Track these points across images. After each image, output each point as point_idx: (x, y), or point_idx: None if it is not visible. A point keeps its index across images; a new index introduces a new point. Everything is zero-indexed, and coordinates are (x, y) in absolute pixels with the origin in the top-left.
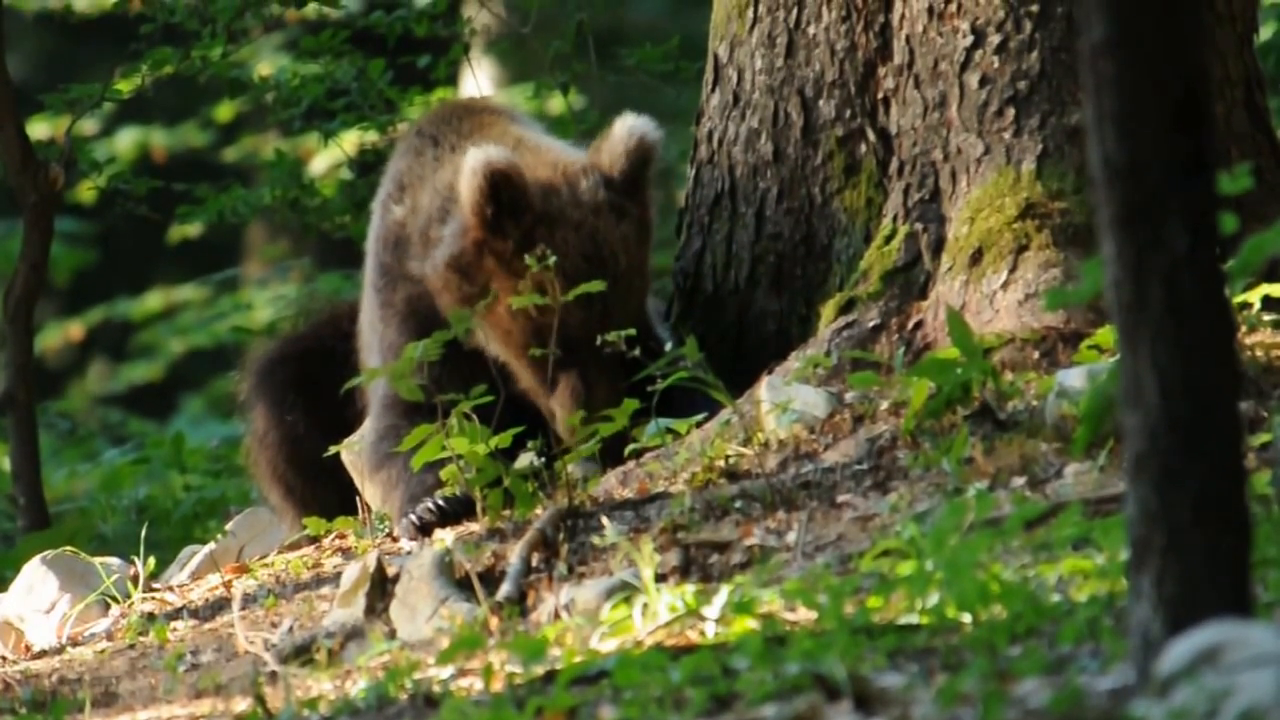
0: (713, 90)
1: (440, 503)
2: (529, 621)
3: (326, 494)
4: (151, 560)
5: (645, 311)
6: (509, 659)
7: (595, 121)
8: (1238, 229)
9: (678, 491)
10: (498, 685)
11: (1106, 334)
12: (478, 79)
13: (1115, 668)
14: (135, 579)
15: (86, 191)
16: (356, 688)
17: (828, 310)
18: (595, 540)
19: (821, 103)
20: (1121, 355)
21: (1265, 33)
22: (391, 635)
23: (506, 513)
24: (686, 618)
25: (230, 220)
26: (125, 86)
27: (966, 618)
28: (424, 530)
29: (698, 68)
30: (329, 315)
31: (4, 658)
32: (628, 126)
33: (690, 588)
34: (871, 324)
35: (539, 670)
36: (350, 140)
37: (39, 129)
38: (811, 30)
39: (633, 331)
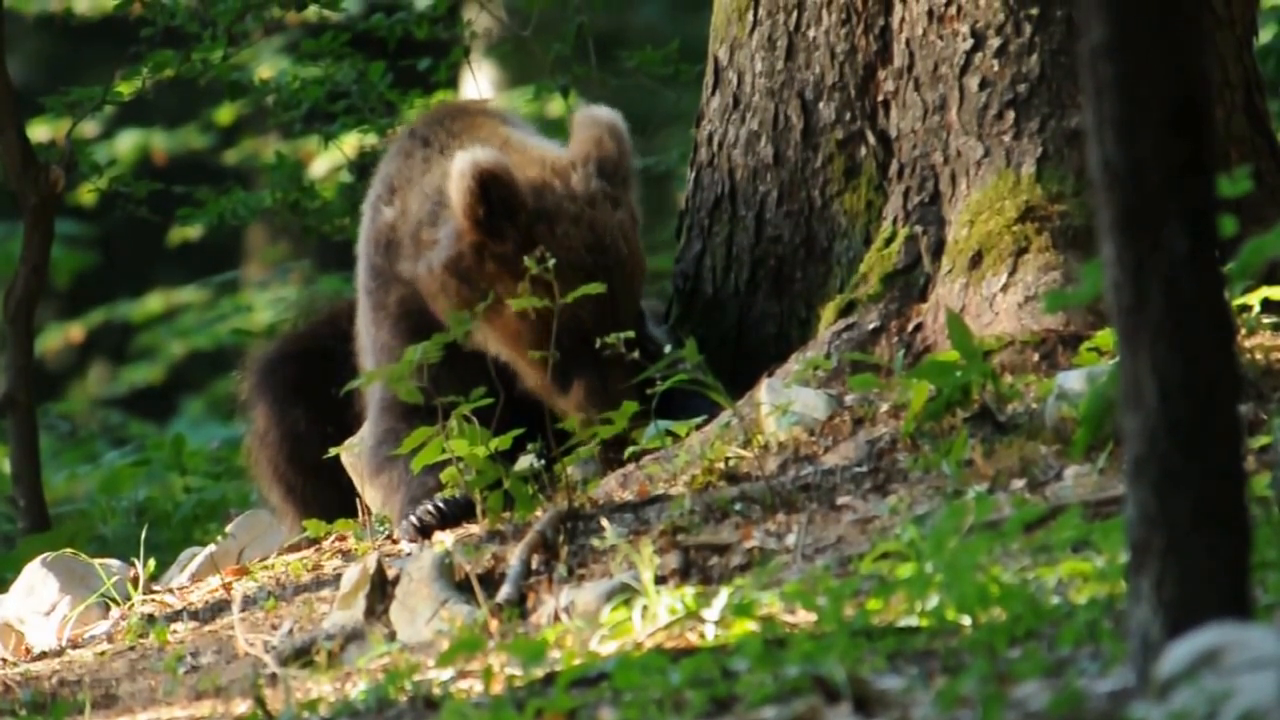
0: (713, 93)
1: (440, 505)
2: (529, 624)
3: (327, 493)
4: (151, 562)
5: (640, 307)
6: (509, 661)
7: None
8: (1237, 232)
9: (677, 494)
10: (497, 687)
11: (1106, 336)
12: (478, 82)
13: (1115, 670)
14: (135, 581)
15: (87, 194)
16: (356, 690)
17: (827, 313)
18: (595, 542)
19: (821, 106)
20: (1121, 358)
21: (1265, 36)
22: (391, 637)
23: (506, 515)
24: (686, 620)
25: (230, 223)
26: (126, 89)
27: (966, 620)
28: (424, 532)
29: (698, 70)
30: (330, 314)
31: (4, 659)
32: (594, 117)
33: (690, 590)
34: (871, 326)
35: (539, 672)
36: (350, 143)
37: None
38: (811, 33)
39: (632, 333)
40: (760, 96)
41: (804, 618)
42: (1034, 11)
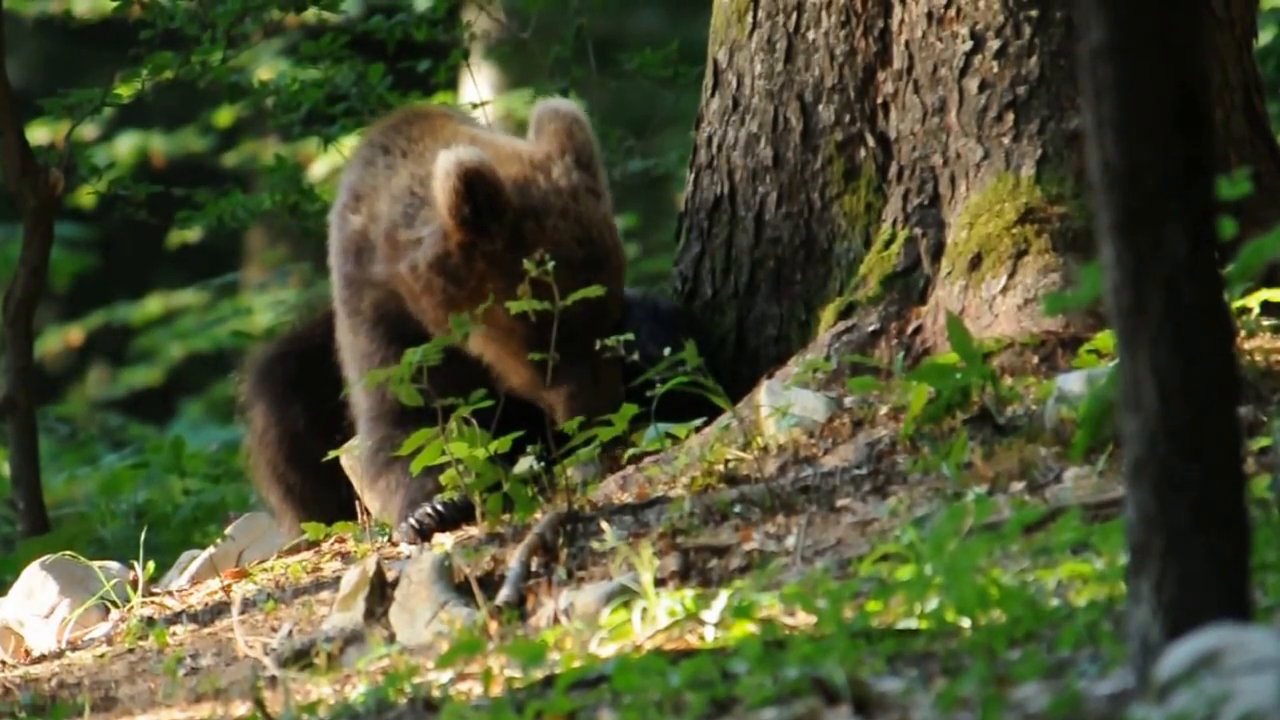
0: (712, 95)
1: (439, 507)
2: (528, 626)
3: (326, 494)
4: (151, 564)
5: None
6: (508, 663)
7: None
8: (1237, 234)
9: (677, 496)
10: (497, 689)
11: (1106, 338)
12: (477, 84)
13: (1114, 672)
14: (135, 583)
15: (86, 196)
16: (356, 692)
17: (827, 315)
18: (594, 545)
19: (821, 108)
20: (1121, 360)
21: (1264, 37)
22: (391, 639)
23: (506, 517)
24: (686, 622)
25: (230, 225)
26: (125, 91)
27: (965, 622)
28: (423, 534)
29: (697, 72)
30: (328, 314)
31: (3, 662)
32: (556, 109)
33: (689, 592)
34: (871, 328)
35: (538, 674)
36: (350, 145)
37: (39, 134)
38: (811, 35)
39: (632, 336)
40: (760, 98)
41: (803, 620)
42: (1033, 13)
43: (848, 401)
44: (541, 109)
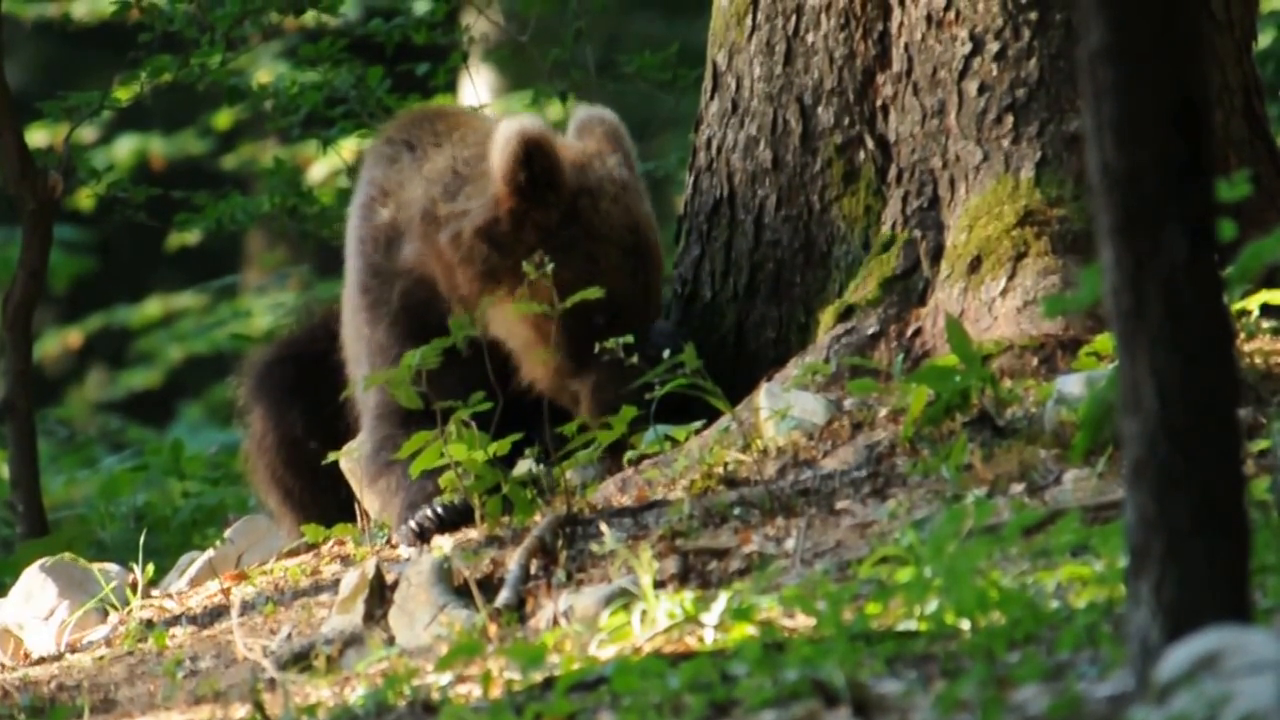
0: (711, 98)
1: (439, 510)
2: (528, 628)
3: (325, 497)
4: (150, 567)
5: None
6: (508, 666)
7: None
8: (1236, 236)
9: (676, 498)
10: (496, 692)
11: (1105, 341)
12: (476, 87)
13: (1114, 674)
14: (134, 586)
15: (85, 199)
16: (355, 694)
17: (826, 317)
18: (594, 547)
19: (820, 110)
20: (1120, 362)
21: (1264, 40)
22: (390, 642)
23: (505, 519)
24: (685, 624)
25: (229, 228)
26: (124, 94)
27: (965, 624)
28: (423, 537)
29: (696, 75)
30: (327, 317)
31: (3, 664)
32: (599, 116)
33: (689, 594)
34: (870, 331)
35: (538, 677)
36: (349, 148)
37: (38, 136)
38: (810, 38)
39: (630, 339)
40: (759, 101)
41: (803, 622)
42: (1033, 16)
43: (847, 404)
44: (584, 114)
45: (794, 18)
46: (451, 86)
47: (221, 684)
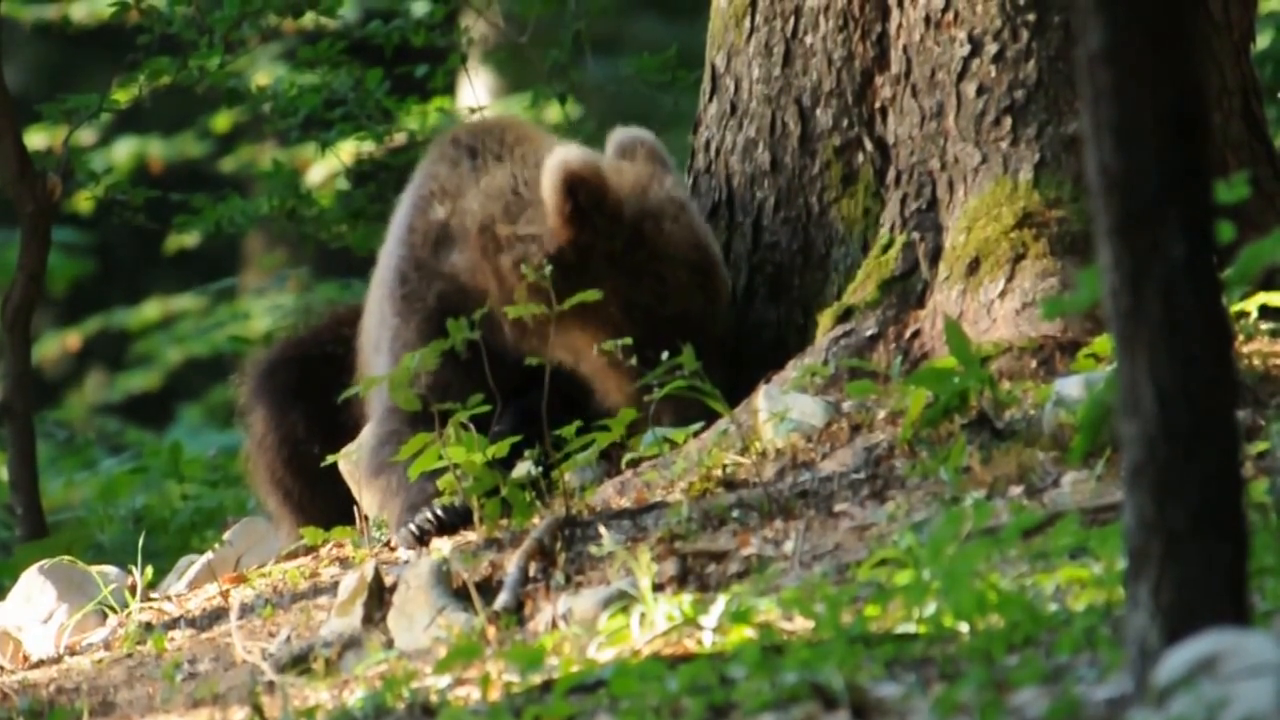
0: (710, 99)
1: (438, 512)
2: (526, 631)
3: (325, 499)
4: (149, 569)
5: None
6: (506, 668)
7: (592, 131)
8: (1235, 238)
9: (675, 501)
10: (495, 694)
11: (1104, 343)
12: (475, 89)
13: (1113, 677)
14: (133, 588)
15: (84, 201)
16: (354, 697)
17: (825, 319)
18: (593, 549)
19: (819, 112)
20: (1119, 364)
21: (1262, 41)
22: (389, 644)
23: (504, 522)
24: (684, 627)
25: (227, 230)
26: (122, 96)
27: (964, 627)
28: (422, 540)
29: (695, 77)
30: (330, 319)
31: (2, 667)
32: (640, 138)
33: (687, 597)
34: (869, 333)
35: (536, 679)
36: (347, 150)
37: (36, 139)
38: (809, 40)
39: (629, 341)
40: (757, 103)
41: (802, 625)
42: (1031, 17)
43: (846, 406)
44: (625, 136)
45: (792, 20)
46: (450, 88)
47: (220, 686)
